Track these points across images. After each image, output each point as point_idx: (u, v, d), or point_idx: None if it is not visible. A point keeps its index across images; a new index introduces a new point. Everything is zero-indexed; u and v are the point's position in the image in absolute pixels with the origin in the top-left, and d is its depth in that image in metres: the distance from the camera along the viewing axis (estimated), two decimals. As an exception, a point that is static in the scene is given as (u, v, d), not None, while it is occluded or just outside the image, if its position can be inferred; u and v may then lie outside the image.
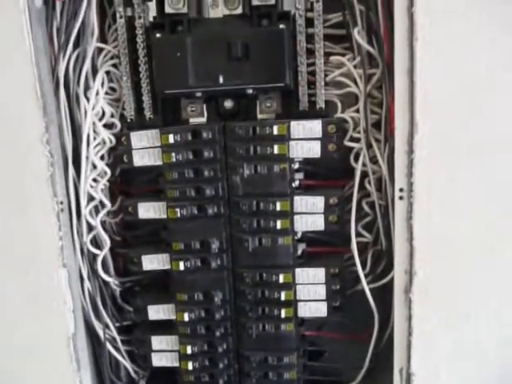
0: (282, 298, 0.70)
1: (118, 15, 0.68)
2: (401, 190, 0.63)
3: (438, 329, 0.65)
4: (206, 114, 0.71)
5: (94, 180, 0.71)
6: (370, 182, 0.69)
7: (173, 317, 0.73)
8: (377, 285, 0.71)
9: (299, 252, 0.71)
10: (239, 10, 0.67)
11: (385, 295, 0.71)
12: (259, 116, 0.70)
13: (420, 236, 0.63)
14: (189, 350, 0.73)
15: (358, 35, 0.65)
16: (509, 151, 0.61)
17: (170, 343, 0.75)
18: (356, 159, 0.69)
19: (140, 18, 0.68)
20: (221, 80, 0.67)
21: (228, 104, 0.71)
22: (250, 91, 0.68)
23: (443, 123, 0.60)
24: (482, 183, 0.62)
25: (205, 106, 0.70)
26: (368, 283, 0.70)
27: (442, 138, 0.61)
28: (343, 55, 0.68)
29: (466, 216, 0.62)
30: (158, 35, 0.67)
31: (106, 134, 0.70)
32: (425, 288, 0.64)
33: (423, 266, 0.63)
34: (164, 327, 0.75)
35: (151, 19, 0.68)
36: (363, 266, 0.71)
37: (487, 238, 0.63)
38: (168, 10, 0.67)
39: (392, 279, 0.66)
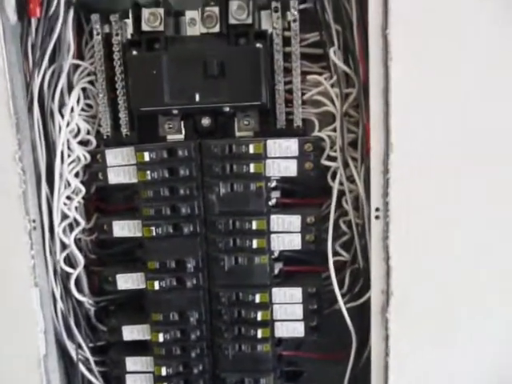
0: (259, 318, 0.69)
1: (94, 32, 0.68)
2: (377, 209, 0.63)
3: (415, 350, 0.64)
4: (183, 131, 0.70)
5: (68, 198, 0.70)
6: (347, 201, 0.69)
7: (148, 337, 0.72)
8: (355, 304, 0.70)
9: (276, 271, 0.70)
10: (217, 29, 0.67)
11: (363, 314, 0.70)
12: (237, 134, 0.70)
13: (396, 256, 0.62)
14: (164, 371, 0.71)
15: (334, 55, 0.65)
16: (484, 169, 0.61)
17: (144, 364, 0.73)
18: (333, 178, 0.69)
19: (117, 35, 0.68)
20: (197, 98, 0.66)
21: (205, 121, 0.70)
22: (227, 109, 0.68)
23: (418, 143, 0.61)
24: (458, 202, 0.62)
25: (182, 123, 0.70)
26: (346, 302, 0.70)
27: (418, 158, 0.61)
28: (320, 74, 0.68)
29: (442, 236, 0.62)
30: (134, 53, 0.67)
31: (80, 151, 0.69)
32: (401, 308, 0.63)
33: (400, 286, 0.63)
34: (139, 348, 0.73)
35: (129, 36, 0.68)
36: (341, 285, 0.71)
37: (464, 257, 0.63)
38: (145, 27, 0.67)
39: (370, 298, 0.66)
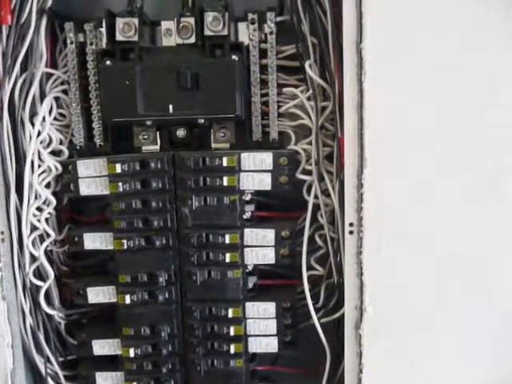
0: (232, 333, 0.68)
1: (68, 41, 0.67)
2: (351, 224, 0.62)
3: (388, 366, 0.64)
4: (159, 142, 0.69)
5: (38, 209, 0.68)
6: (322, 215, 0.68)
7: (119, 352, 0.71)
8: (330, 319, 0.70)
9: (250, 285, 0.69)
10: (192, 40, 0.66)
11: (338, 329, 0.70)
12: (213, 145, 0.69)
13: (369, 271, 0.62)
14: (134, 387, 0.70)
15: (310, 69, 0.65)
16: (460, 184, 0.61)
17: (115, 380, 0.72)
18: (308, 192, 0.68)
19: (92, 44, 0.67)
20: (171, 109, 0.65)
21: (180, 133, 0.69)
22: (202, 121, 0.67)
23: (393, 158, 0.60)
24: (432, 217, 0.61)
25: (158, 134, 0.69)
26: (321, 317, 0.69)
27: (392, 174, 0.61)
28: (296, 87, 0.68)
29: (416, 252, 0.62)
30: (107, 62, 0.66)
31: (51, 162, 0.68)
32: (375, 324, 0.63)
33: (373, 302, 0.62)
34: (109, 362, 0.72)
35: (104, 46, 0.67)
36: (316, 300, 0.70)
37: (439, 273, 0.62)
38: (119, 37, 0.66)
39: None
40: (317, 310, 0.69)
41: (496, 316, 0.63)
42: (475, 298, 0.62)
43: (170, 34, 0.67)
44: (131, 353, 0.69)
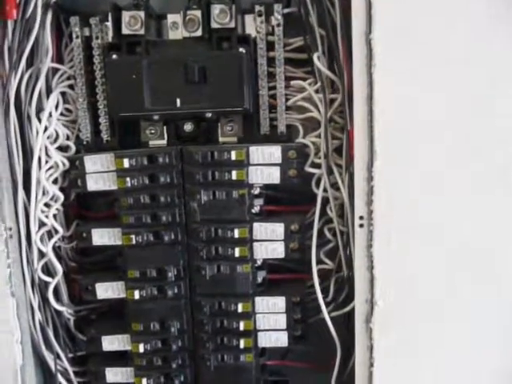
0: (241, 327, 0.67)
1: (74, 35, 0.67)
2: (361, 217, 0.62)
3: (399, 360, 0.63)
4: (166, 137, 0.69)
5: (46, 205, 0.68)
6: (331, 209, 0.67)
7: (128, 347, 0.70)
8: (340, 313, 0.69)
9: (260, 280, 0.69)
10: (199, 33, 0.66)
11: (349, 323, 0.69)
12: (220, 139, 0.69)
13: (380, 265, 0.61)
14: (144, 382, 0.69)
15: (319, 60, 0.64)
16: (470, 176, 0.60)
17: (125, 375, 0.71)
18: (317, 185, 0.68)
19: (97, 38, 0.67)
20: (178, 103, 0.65)
21: (188, 127, 0.69)
22: (209, 115, 0.66)
23: (403, 151, 0.60)
24: (442, 211, 0.61)
25: (165, 129, 0.68)
26: (331, 311, 0.69)
27: (402, 166, 0.60)
28: (305, 79, 0.67)
29: (425, 243, 0.61)
30: (113, 56, 0.65)
31: (58, 157, 0.68)
32: (386, 318, 0.62)
33: (383, 296, 0.62)
34: (119, 358, 0.72)
35: (110, 40, 0.66)
36: (326, 293, 0.70)
37: (449, 266, 0.62)
38: (125, 31, 0.65)
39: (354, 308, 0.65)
40: (327, 304, 0.68)
41: (506, 307, 0.62)
42: (485, 289, 0.62)
43: (177, 28, 0.67)
44: (141, 348, 0.69)
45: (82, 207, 0.74)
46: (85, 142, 0.69)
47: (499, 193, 0.60)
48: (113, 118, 0.68)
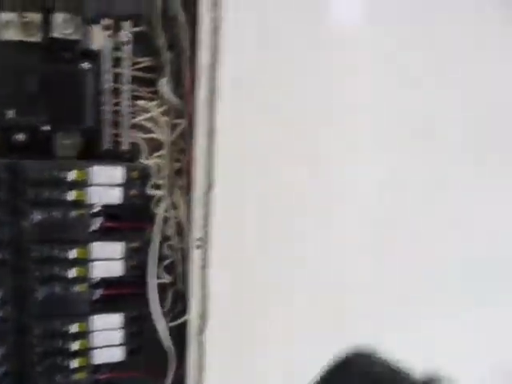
0: (76, 347, 0.66)
1: None
2: (198, 239, 0.65)
3: (229, 374, 0.69)
4: (-5, 148, 0.63)
5: None
6: (170, 228, 0.70)
7: None
8: (176, 323, 0.73)
9: (96, 297, 0.68)
10: (38, 39, 0.61)
11: (183, 334, 0.73)
12: (58, 153, 0.65)
13: (215, 284, 0.66)
14: (-36, 411, 0.64)
15: (166, 84, 0.65)
16: (306, 214, 0.68)
17: None
18: (158, 204, 0.69)
19: None
20: (11, 114, 0.60)
21: (20, 137, 0.64)
22: (48, 128, 0.63)
23: (240, 181, 0.65)
24: (280, 237, 0.68)
25: (-5, 138, 0.63)
26: (168, 322, 0.72)
27: (239, 194, 0.65)
28: (151, 100, 0.68)
29: (262, 267, 0.68)
30: None
31: None
32: (218, 332, 0.67)
33: (216, 311, 0.67)
34: None
35: None
36: (164, 305, 0.72)
37: (282, 289, 0.69)
38: None
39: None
40: (164, 314, 0.71)
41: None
42: (322, 308, 0.71)
43: (12, 28, 0.61)
44: (-42, 376, 0.63)
45: None
46: None
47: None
48: None
